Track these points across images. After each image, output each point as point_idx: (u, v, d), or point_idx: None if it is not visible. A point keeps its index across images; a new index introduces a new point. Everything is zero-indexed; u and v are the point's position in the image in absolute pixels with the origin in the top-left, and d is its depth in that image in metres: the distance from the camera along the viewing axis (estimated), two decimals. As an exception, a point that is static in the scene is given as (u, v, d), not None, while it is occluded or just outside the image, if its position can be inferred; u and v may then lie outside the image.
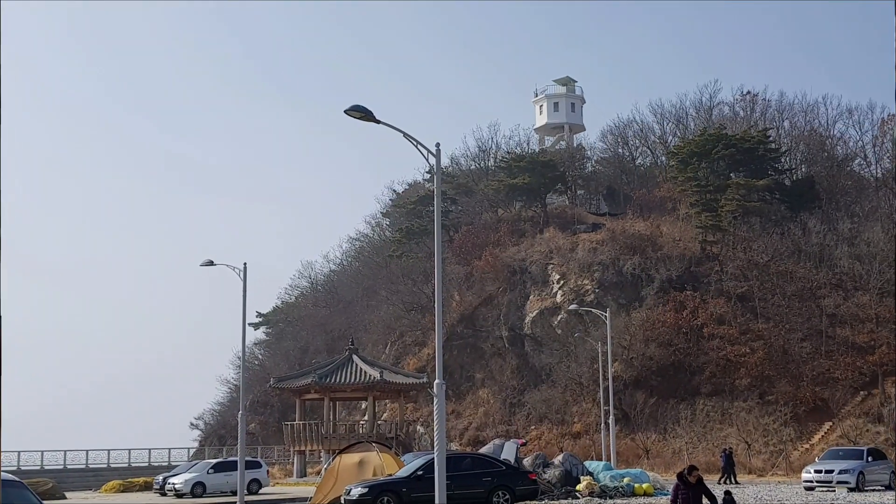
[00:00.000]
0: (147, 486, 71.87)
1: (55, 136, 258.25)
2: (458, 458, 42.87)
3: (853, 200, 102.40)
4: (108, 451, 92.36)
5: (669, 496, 24.50)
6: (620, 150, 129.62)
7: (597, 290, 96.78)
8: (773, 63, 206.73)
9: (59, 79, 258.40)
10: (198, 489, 61.78)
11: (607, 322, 72.45)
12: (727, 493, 31.53)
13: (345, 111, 29.41)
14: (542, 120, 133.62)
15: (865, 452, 53.41)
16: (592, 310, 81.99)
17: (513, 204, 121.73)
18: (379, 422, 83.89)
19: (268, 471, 68.62)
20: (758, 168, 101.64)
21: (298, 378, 79.87)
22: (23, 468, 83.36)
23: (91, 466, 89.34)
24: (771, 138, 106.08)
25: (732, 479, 61.74)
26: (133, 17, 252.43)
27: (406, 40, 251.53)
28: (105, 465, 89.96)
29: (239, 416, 51.74)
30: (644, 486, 49.81)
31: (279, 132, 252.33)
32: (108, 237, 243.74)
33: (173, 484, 62.81)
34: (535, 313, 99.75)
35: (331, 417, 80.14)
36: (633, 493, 48.87)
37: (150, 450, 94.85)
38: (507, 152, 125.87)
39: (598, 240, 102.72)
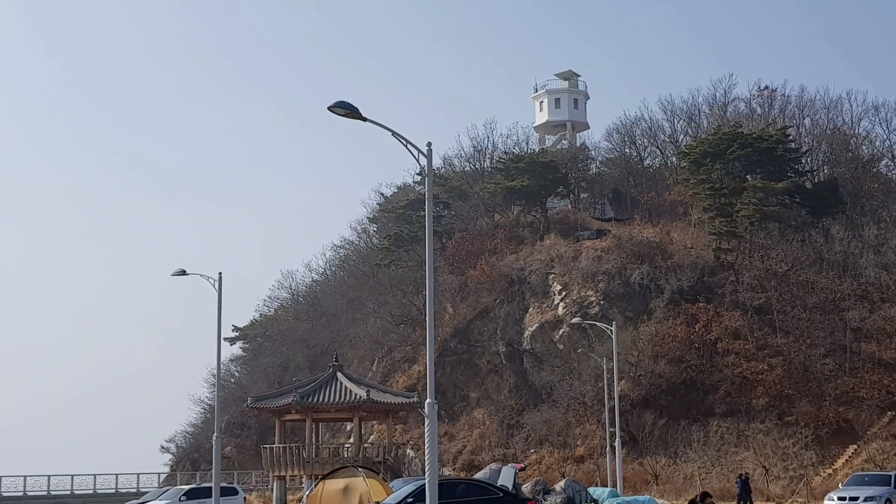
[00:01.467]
0: (114, 515, 71.85)
1: (9, 134, 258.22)
2: (451, 484, 42.85)
3: (880, 205, 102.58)
4: (72, 476, 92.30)
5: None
6: (627, 150, 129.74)
7: (602, 302, 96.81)
8: (792, 55, 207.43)
9: (14, 72, 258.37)
10: (169, 518, 61.78)
11: (613, 336, 72.48)
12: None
13: (328, 108, 29.50)
14: (542, 117, 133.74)
15: (893, 478, 53.53)
16: (597, 323, 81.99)
17: (511, 208, 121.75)
18: (365, 445, 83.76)
19: (245, 498, 68.64)
20: (776, 169, 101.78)
21: (278, 397, 79.71)
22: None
23: (53, 493, 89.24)
24: (791, 137, 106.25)
25: (749, 507, 61.78)
26: (96, 4, 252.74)
27: (394, 30, 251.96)
28: (68, 492, 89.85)
29: (213, 438, 51.74)
30: (653, 514, 49.84)
31: (256, 131, 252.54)
32: (70, 245, 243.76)
33: (142, 512, 62.84)
34: (534, 327, 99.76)
35: (313, 440, 79.99)
36: (641, 522, 48.91)
37: (117, 475, 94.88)
38: (505, 152, 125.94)
39: (603, 247, 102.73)
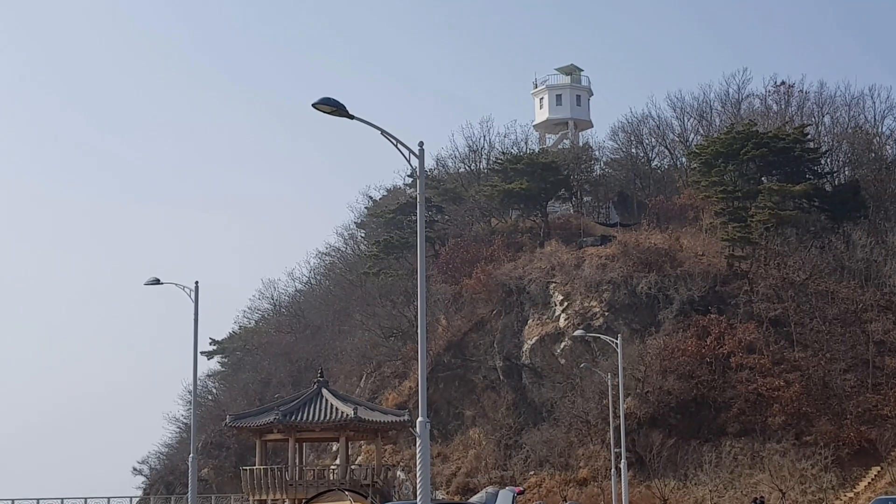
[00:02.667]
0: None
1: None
2: (444, 508, 42.94)
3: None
4: (38, 500, 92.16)
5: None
6: (634, 150, 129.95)
7: (606, 314, 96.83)
8: (811, 49, 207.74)
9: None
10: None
11: (618, 350, 72.53)
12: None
13: (312, 105, 29.57)
14: (542, 115, 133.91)
15: (918, 502, 53.57)
16: (601, 336, 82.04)
17: (508, 213, 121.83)
18: (353, 466, 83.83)
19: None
20: (794, 171, 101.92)
21: (259, 416, 79.78)
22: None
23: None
24: (809, 136, 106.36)
25: (764, 534, 61.90)
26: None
27: (383, 22, 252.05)
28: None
29: (190, 459, 51.75)
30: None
31: (235, 129, 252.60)
32: (35, 252, 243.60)
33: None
34: (534, 340, 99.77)
35: (297, 461, 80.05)
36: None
37: (85, 499, 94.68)
38: (502, 153, 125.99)
39: (607, 255, 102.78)
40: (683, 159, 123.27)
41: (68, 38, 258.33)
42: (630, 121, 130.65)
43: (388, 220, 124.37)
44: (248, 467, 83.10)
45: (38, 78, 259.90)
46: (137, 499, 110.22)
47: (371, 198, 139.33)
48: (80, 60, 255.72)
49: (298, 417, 77.25)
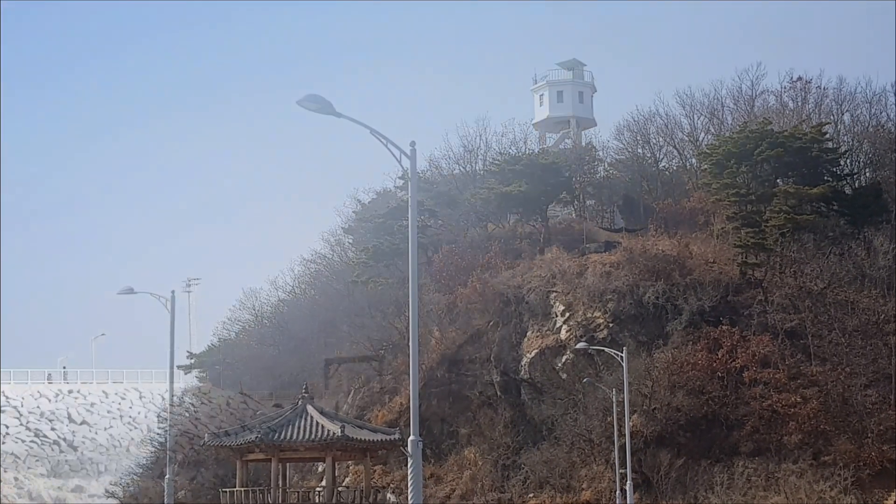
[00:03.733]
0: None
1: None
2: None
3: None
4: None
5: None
6: (640, 151, 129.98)
7: (611, 325, 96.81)
8: (829, 43, 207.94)
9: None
10: (113, 573, 61.76)
11: (624, 364, 72.58)
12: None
13: (297, 102, 29.60)
14: (542, 113, 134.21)
15: (944, 526, 53.65)
16: (605, 349, 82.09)
17: (506, 217, 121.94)
18: (340, 488, 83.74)
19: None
20: (811, 172, 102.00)
21: (239, 434, 79.71)
22: None
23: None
24: (828, 135, 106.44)
25: (780, 560, 61.93)
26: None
27: (374, 15, 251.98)
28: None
29: (165, 481, 51.76)
30: (670, 568, 49.94)
31: (216, 128, 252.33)
32: (8, 256, 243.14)
33: (82, 567, 62.78)
34: (533, 353, 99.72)
35: (280, 483, 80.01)
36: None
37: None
38: (500, 153, 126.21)
39: (612, 262, 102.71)
40: (693, 160, 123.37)
41: (40, 32, 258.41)
42: (636, 119, 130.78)
43: (377, 225, 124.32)
44: (227, 489, 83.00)
45: (11, 75, 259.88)
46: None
47: (360, 201, 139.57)
48: (52, 54, 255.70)
49: (281, 436, 77.14)
